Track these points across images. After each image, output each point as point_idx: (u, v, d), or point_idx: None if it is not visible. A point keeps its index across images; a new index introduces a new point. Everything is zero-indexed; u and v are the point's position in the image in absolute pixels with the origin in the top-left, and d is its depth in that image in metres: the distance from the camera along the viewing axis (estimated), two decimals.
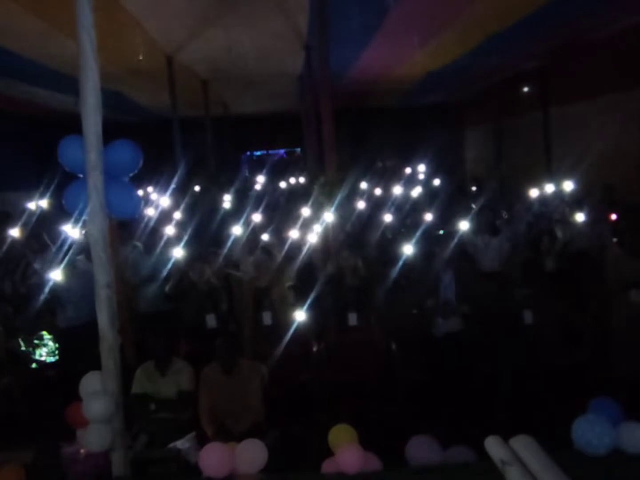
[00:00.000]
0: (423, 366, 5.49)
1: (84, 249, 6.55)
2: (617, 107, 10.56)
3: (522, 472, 2.72)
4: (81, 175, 3.10)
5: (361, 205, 9.77)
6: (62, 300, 6.20)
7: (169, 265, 6.63)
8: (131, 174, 3.16)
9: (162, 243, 7.17)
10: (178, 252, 6.56)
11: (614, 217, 7.65)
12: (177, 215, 9.42)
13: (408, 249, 6.11)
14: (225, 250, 6.95)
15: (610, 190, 8.74)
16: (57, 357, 6.64)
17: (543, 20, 8.94)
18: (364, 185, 12.05)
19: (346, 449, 3.05)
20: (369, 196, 11.31)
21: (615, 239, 6.68)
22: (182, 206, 10.35)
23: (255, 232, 7.73)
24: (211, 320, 6.04)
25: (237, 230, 7.44)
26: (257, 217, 8.37)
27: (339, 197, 6.30)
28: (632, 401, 3.55)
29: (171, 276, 6.63)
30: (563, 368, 5.46)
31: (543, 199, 9.44)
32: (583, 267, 7.01)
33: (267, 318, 5.85)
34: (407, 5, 7.84)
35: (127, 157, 3.09)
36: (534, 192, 9.46)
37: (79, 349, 5.90)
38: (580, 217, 7.54)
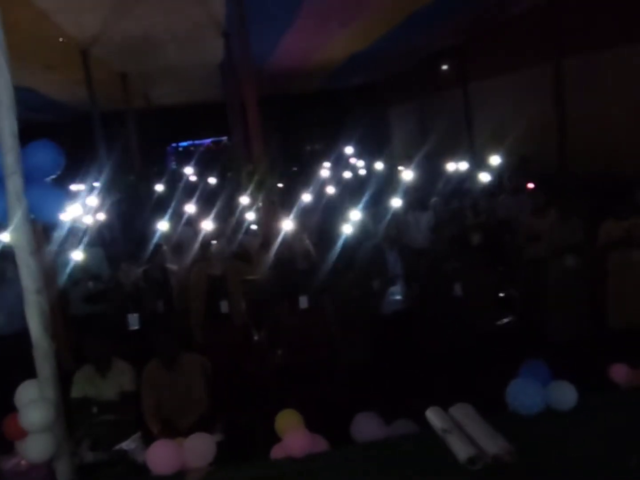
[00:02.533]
0: (369, 346, 5.59)
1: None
2: (532, 82, 11.00)
3: (461, 437, 2.86)
4: None
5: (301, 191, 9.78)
6: None
7: (93, 266, 6.52)
8: (53, 176, 3.06)
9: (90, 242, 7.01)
10: (78, 255, 6.43)
11: (530, 186, 8.01)
12: (102, 214, 9.15)
13: (347, 230, 6.16)
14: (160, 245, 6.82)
15: (526, 162, 9.13)
16: None
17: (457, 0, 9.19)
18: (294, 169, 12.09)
19: (293, 434, 3.09)
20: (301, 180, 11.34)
21: (535, 208, 6.99)
22: (107, 203, 10.07)
23: (191, 223, 7.67)
24: (133, 321, 5.91)
25: (163, 225, 7.34)
26: (190, 208, 8.28)
27: (268, 184, 6.31)
28: (565, 362, 3.76)
29: (94, 277, 6.52)
30: (494, 335, 5.70)
31: (464, 173, 9.71)
32: (506, 236, 7.32)
33: (223, 307, 5.78)
34: None
35: (48, 159, 2.99)
36: (453, 167, 9.72)
37: (12, 357, 5.73)
38: (485, 177, 7.86)
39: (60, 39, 8.91)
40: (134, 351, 5.28)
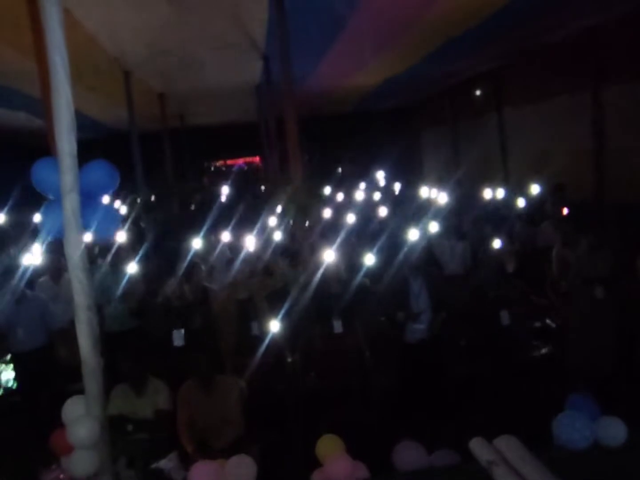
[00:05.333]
0: (395, 373, 5.54)
1: (49, 270, 6.45)
2: (569, 109, 10.92)
3: (509, 471, 2.80)
4: (52, 198, 3.07)
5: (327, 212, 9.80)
6: (11, 324, 6.01)
7: (128, 281, 6.54)
8: (107, 194, 3.13)
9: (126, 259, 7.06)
10: (132, 268, 6.45)
11: (566, 213, 7.91)
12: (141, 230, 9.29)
13: (372, 257, 6.15)
14: (204, 264, 6.87)
15: (562, 190, 9.01)
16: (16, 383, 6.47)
17: (495, 26, 9.19)
18: (327, 191, 12.11)
19: (335, 459, 3.07)
20: (332, 203, 11.35)
21: (571, 237, 6.88)
22: (146, 221, 10.22)
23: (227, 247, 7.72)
24: (178, 338, 5.86)
25: (197, 243, 7.37)
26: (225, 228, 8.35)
27: (309, 205, 6.32)
28: (599, 394, 3.68)
29: (132, 292, 6.52)
30: (531, 365, 5.61)
31: (500, 200, 9.62)
32: (546, 264, 7.21)
33: (255, 328, 5.78)
34: (363, 15, 7.96)
35: (104, 178, 3.06)
36: (489, 193, 9.64)
37: (34, 374, 5.82)
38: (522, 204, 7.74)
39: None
40: (174, 369, 5.28)
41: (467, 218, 8.54)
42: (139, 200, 10.67)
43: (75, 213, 2.87)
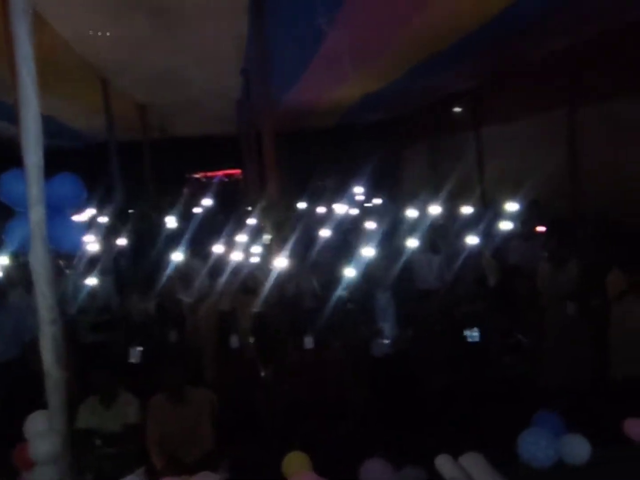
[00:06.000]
0: (365, 387, 5.55)
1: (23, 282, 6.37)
2: (546, 128, 11.10)
3: None
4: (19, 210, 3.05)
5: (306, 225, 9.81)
6: None
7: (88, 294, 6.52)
8: (75, 208, 3.11)
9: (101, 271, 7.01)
10: (91, 280, 6.41)
11: (542, 229, 8.00)
12: (116, 242, 9.18)
13: (349, 270, 6.17)
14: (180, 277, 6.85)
15: (537, 206, 9.14)
16: None
17: (474, 45, 9.32)
18: (303, 205, 12.15)
19: (300, 476, 3.05)
20: (310, 216, 11.39)
21: (545, 253, 6.98)
22: (121, 232, 10.12)
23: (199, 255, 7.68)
24: (135, 354, 5.81)
25: (177, 256, 7.34)
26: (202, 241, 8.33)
27: (281, 220, 6.34)
28: (567, 411, 3.71)
29: (91, 305, 6.50)
30: (502, 381, 5.65)
31: (477, 217, 9.70)
32: (518, 281, 7.29)
33: (234, 341, 5.76)
34: (343, 30, 8.02)
35: (70, 191, 3.05)
36: (466, 210, 9.72)
37: (7, 386, 5.73)
38: (507, 225, 7.85)
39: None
40: (140, 383, 5.23)
41: (445, 233, 8.60)
42: (115, 211, 10.58)
43: (40, 226, 2.85)
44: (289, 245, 6.58)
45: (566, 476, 2.96)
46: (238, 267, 7.19)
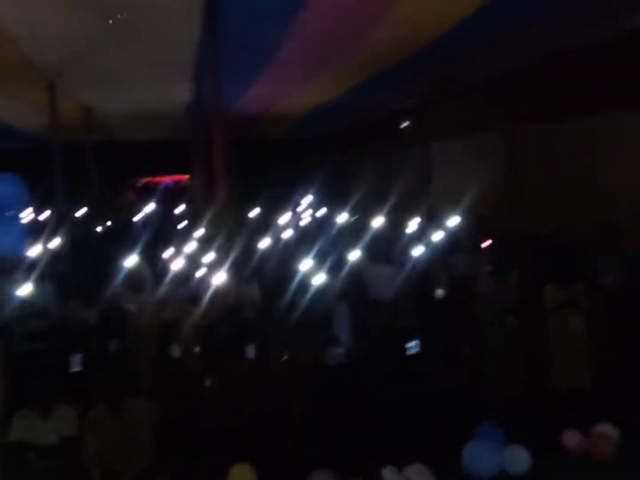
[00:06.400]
0: (313, 399, 5.54)
1: None
2: (487, 145, 11.45)
3: None
4: None
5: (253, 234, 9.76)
6: None
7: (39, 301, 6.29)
8: (14, 210, 2.99)
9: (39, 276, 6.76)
10: (25, 288, 6.20)
11: (487, 244, 8.21)
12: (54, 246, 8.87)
13: (298, 280, 6.17)
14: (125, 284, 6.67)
15: (483, 221, 9.37)
16: None
17: (421, 63, 9.55)
18: (252, 214, 12.10)
19: None
20: (258, 226, 11.35)
21: (489, 268, 7.15)
22: (61, 236, 9.81)
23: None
24: (75, 362, 5.68)
25: (131, 261, 7.15)
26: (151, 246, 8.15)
27: (229, 228, 6.29)
28: (508, 423, 3.80)
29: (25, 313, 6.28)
30: (446, 393, 5.73)
31: (424, 230, 9.86)
32: (459, 294, 7.45)
33: (175, 351, 5.64)
34: (297, 40, 8.06)
35: (10, 193, 2.93)
36: (415, 222, 9.88)
37: None
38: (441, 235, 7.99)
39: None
40: (78, 394, 5.07)
41: (394, 245, 8.69)
42: (56, 214, 10.24)
43: None
44: (234, 255, 6.53)
45: None
46: (183, 276, 7.09)
